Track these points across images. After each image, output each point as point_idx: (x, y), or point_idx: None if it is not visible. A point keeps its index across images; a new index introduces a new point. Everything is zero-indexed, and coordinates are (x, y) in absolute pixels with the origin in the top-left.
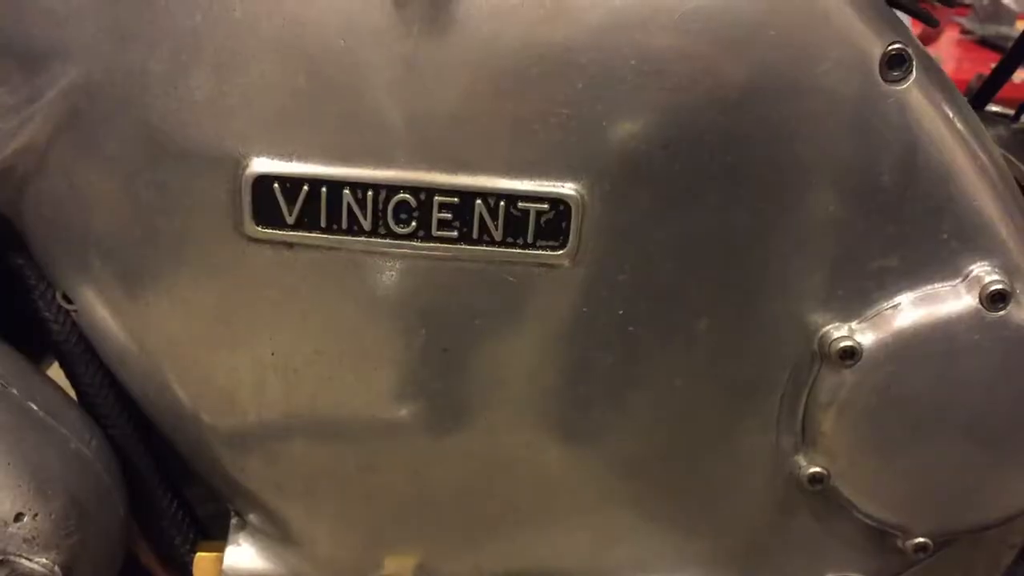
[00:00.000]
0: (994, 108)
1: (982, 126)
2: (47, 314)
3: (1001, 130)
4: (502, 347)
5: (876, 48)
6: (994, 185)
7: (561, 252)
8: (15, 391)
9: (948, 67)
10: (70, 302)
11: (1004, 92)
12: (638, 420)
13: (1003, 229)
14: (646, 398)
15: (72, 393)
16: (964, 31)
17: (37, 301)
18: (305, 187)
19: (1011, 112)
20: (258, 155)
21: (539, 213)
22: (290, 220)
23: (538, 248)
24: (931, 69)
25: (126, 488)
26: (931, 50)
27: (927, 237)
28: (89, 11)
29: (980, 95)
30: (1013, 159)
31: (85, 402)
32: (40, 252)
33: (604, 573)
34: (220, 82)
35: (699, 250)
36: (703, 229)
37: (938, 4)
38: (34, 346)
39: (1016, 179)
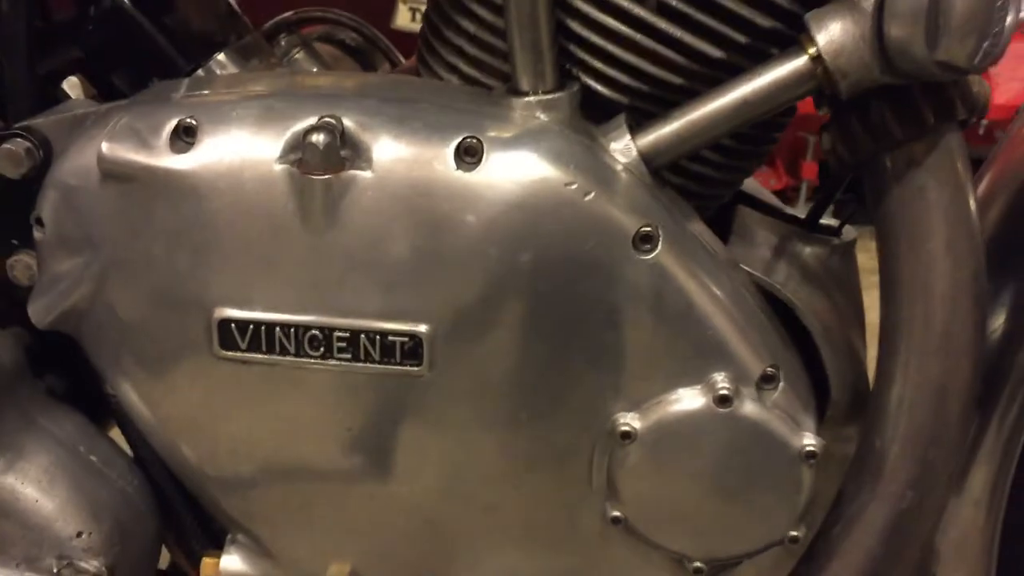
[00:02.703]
0: (825, 220)
1: (723, 274)
2: (107, 391)
3: (819, 249)
4: (386, 429)
5: (630, 229)
6: (730, 315)
7: (420, 367)
8: (81, 448)
9: None
10: (113, 391)
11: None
12: (491, 476)
13: (734, 348)
14: (495, 463)
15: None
16: None
17: (101, 384)
18: (251, 326)
19: (835, 224)
20: (221, 305)
21: (402, 343)
22: (243, 346)
23: (404, 365)
24: (680, 239)
25: (159, 513)
26: None
27: (677, 355)
28: (112, 215)
29: (812, 214)
30: (779, 287)
31: (135, 451)
32: (92, 357)
33: None
34: (196, 259)
35: (518, 366)
36: (518, 352)
37: None
38: (100, 413)
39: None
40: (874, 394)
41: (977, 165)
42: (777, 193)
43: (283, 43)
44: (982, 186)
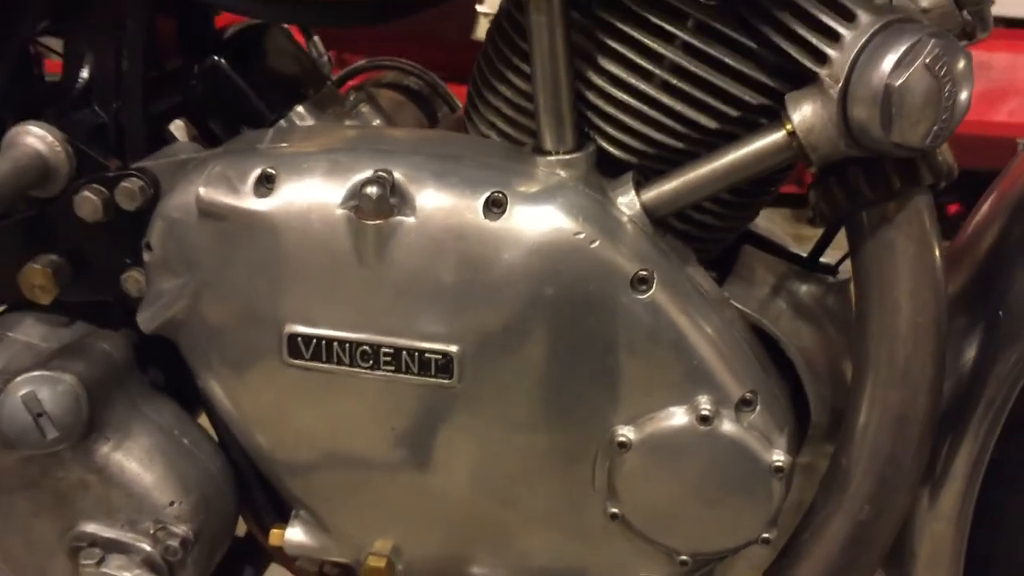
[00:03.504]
0: (823, 259)
1: (711, 311)
2: (198, 386)
3: (814, 287)
4: (423, 430)
5: (628, 272)
6: (716, 347)
7: (450, 380)
8: (176, 432)
9: None
10: (202, 385)
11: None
12: (509, 474)
13: (717, 375)
14: (512, 463)
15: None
16: None
17: (193, 379)
18: (314, 340)
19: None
20: (291, 322)
21: (436, 360)
22: (307, 356)
23: (438, 378)
24: (673, 281)
25: (237, 489)
26: None
27: (667, 379)
28: (207, 245)
29: (812, 254)
30: (767, 322)
31: (219, 437)
32: (186, 357)
33: (492, 569)
34: (271, 284)
35: (532, 382)
36: (533, 372)
37: None
38: (192, 403)
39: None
40: (845, 419)
41: None
42: None
43: (351, 97)
44: (971, 225)
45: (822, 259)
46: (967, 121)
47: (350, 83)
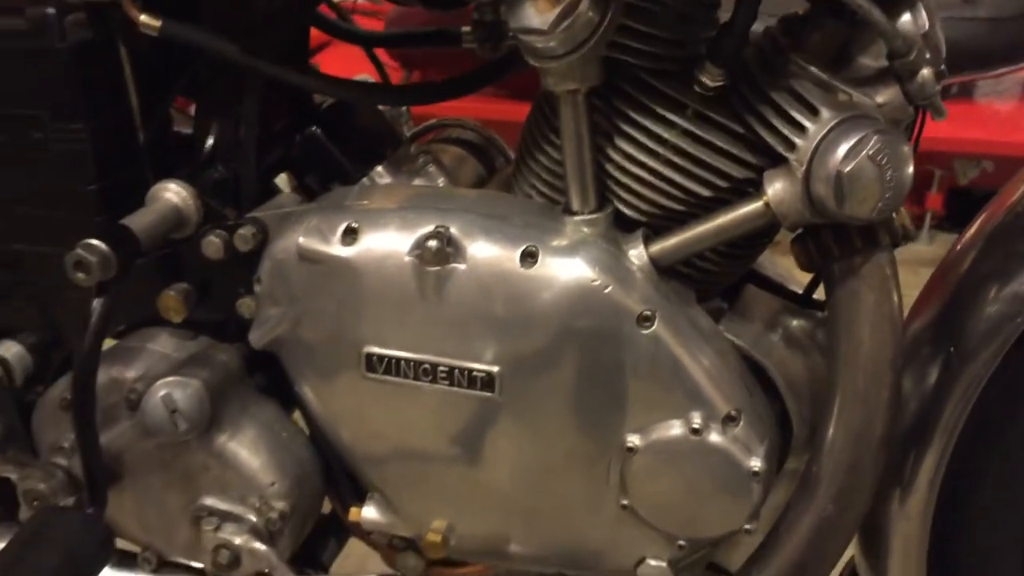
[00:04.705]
0: (816, 297)
1: (704, 343)
2: (295, 390)
3: (804, 322)
4: (472, 433)
5: (635, 312)
6: (707, 373)
7: (493, 394)
8: (276, 427)
9: None
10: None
11: None
12: (541, 470)
13: (708, 395)
14: (543, 462)
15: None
16: None
17: (291, 385)
18: (386, 358)
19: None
20: (368, 344)
21: (482, 377)
22: (380, 371)
23: (483, 391)
24: (673, 318)
25: (323, 474)
26: None
27: (666, 398)
28: (304, 282)
29: (806, 292)
30: (755, 352)
31: (310, 431)
32: (286, 367)
33: (528, 547)
34: (353, 315)
35: (559, 397)
36: (559, 388)
37: None
38: (289, 404)
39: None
40: (816, 434)
41: None
42: None
43: (421, 159)
44: (957, 246)
45: (815, 296)
46: None
47: (423, 138)
